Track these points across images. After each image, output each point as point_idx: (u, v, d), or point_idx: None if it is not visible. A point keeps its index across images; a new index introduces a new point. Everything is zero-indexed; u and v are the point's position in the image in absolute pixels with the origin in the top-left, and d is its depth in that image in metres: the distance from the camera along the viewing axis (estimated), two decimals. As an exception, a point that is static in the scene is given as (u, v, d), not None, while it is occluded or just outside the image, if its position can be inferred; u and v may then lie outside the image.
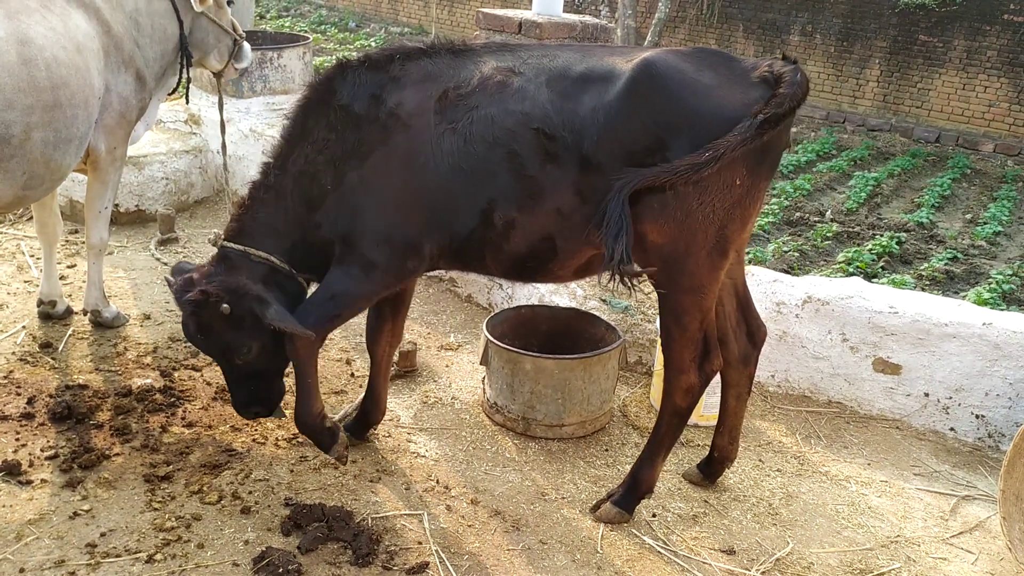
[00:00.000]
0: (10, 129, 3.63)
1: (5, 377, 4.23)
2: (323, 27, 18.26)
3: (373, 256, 3.40)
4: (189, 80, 4.86)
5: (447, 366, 4.79)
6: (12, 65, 3.63)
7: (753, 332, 3.69)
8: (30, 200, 4.02)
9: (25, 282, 5.27)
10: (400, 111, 3.29)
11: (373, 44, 16.52)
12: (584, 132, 3.12)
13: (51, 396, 4.10)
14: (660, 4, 14.44)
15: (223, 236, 3.58)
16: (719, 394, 3.82)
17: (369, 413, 3.99)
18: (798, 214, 9.00)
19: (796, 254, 7.70)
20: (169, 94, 5.00)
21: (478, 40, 5.16)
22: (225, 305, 3.37)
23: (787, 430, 4.44)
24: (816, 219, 8.90)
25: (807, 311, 4.65)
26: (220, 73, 5.10)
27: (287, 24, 17.78)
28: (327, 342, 4.85)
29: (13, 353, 4.47)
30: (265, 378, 3.65)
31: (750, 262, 6.85)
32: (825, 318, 4.62)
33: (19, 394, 4.10)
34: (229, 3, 4.94)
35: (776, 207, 9.06)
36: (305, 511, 3.44)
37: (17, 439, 3.78)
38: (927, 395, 4.46)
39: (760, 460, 4.16)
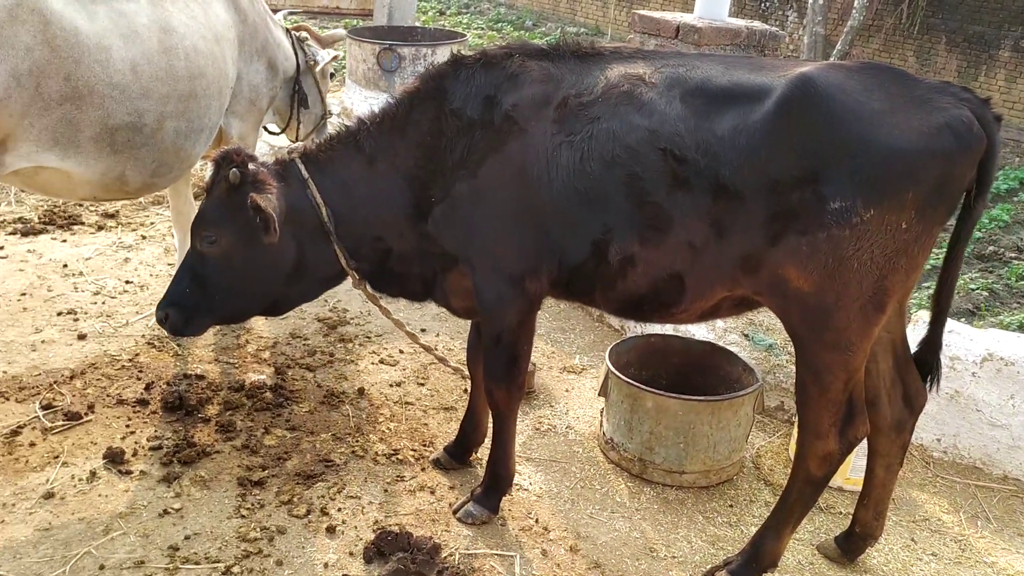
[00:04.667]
0: (143, 118, 3.63)
1: (130, 360, 4.30)
2: (500, 25, 18.30)
3: (497, 281, 3.14)
4: (300, 123, 4.87)
5: (567, 391, 4.48)
6: (152, 53, 3.62)
7: (911, 396, 3.16)
8: (159, 187, 4.05)
9: (169, 264, 5.39)
10: (516, 113, 3.00)
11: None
12: (721, 156, 2.72)
13: (168, 384, 4.11)
14: (854, 11, 13.46)
15: (300, 152, 3.29)
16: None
17: (468, 435, 3.75)
18: (991, 248, 8.06)
19: (984, 293, 6.85)
20: (275, 133, 5.05)
21: (634, 43, 4.81)
22: (234, 170, 3.06)
23: (949, 506, 3.84)
24: (1013, 255, 7.93)
25: (986, 370, 4.00)
26: (296, 138, 5.05)
27: (465, 21, 17.96)
28: (447, 353, 4.66)
29: (143, 336, 4.54)
30: (207, 289, 3.23)
31: (923, 305, 6.12)
32: (1008, 380, 3.97)
33: (139, 379, 4.15)
34: (332, 76, 5.01)
35: (965, 239, 8.14)
36: (391, 539, 3.23)
37: (127, 426, 3.80)
38: None
39: (912, 540, 3.60)
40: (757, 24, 4.79)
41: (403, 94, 3.25)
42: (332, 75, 5.11)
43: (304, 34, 4.87)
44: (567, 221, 2.98)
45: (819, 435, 2.94)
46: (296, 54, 4.68)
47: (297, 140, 5.03)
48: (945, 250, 2.91)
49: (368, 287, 3.39)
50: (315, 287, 3.40)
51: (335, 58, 4.89)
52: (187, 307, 3.26)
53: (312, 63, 4.77)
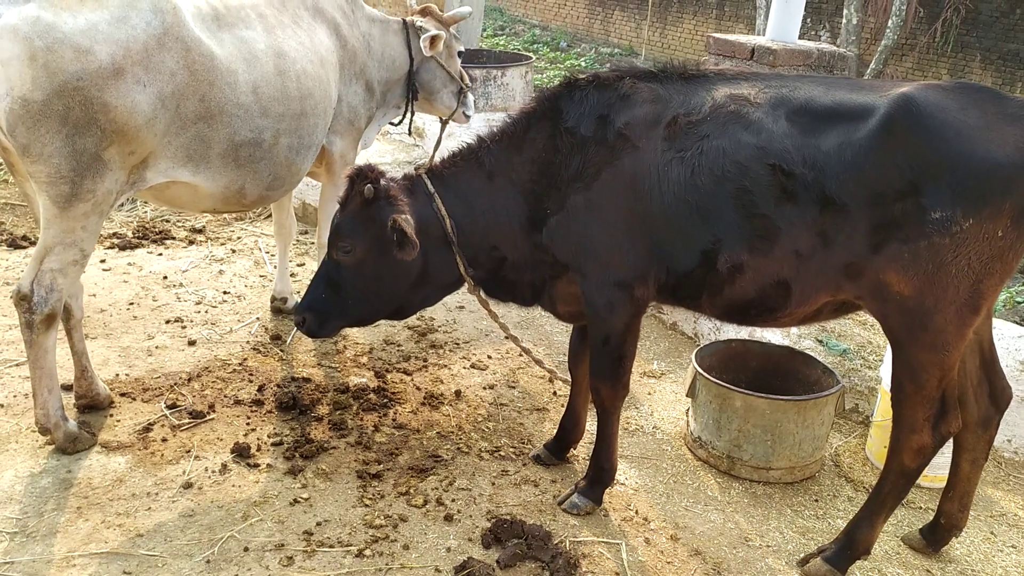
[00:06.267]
0: (262, 134, 3.93)
1: (240, 364, 4.58)
2: (535, 46, 18.66)
3: (607, 287, 3.36)
4: (413, 114, 5.10)
5: (649, 394, 4.71)
6: (270, 75, 3.93)
7: (997, 394, 3.37)
8: (271, 200, 4.34)
9: (261, 276, 5.69)
10: (628, 131, 3.23)
11: (583, 64, 16.70)
12: (827, 170, 2.95)
13: (279, 386, 4.38)
14: (888, 30, 13.68)
15: (426, 168, 3.57)
16: (947, 454, 3.52)
17: (568, 433, 3.98)
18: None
19: (1033, 307, 6.99)
20: (395, 124, 5.26)
21: (708, 65, 5.06)
22: (369, 186, 3.34)
23: (1024, 503, 4.04)
24: (1059, 270, 8.07)
25: (1056, 374, 4.20)
26: (448, 119, 5.29)
27: (501, 42, 18.33)
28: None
29: (247, 342, 4.82)
30: (340, 294, 3.53)
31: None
32: (1078, 383, 4.16)
33: (251, 381, 4.42)
34: (460, 54, 5.15)
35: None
36: (505, 526, 3.47)
37: (247, 423, 4.07)
38: None
39: (992, 533, 3.80)
40: (826, 46, 5.04)
41: (520, 114, 3.50)
42: (461, 53, 5.16)
43: (419, 20, 4.94)
44: (677, 231, 3.21)
45: (914, 430, 3.14)
46: (410, 48, 4.88)
47: (442, 118, 5.26)
48: None
49: (481, 293, 3.65)
50: (436, 292, 3.67)
51: (435, 38, 4.82)
52: (322, 311, 3.55)
53: (425, 50, 4.85)
